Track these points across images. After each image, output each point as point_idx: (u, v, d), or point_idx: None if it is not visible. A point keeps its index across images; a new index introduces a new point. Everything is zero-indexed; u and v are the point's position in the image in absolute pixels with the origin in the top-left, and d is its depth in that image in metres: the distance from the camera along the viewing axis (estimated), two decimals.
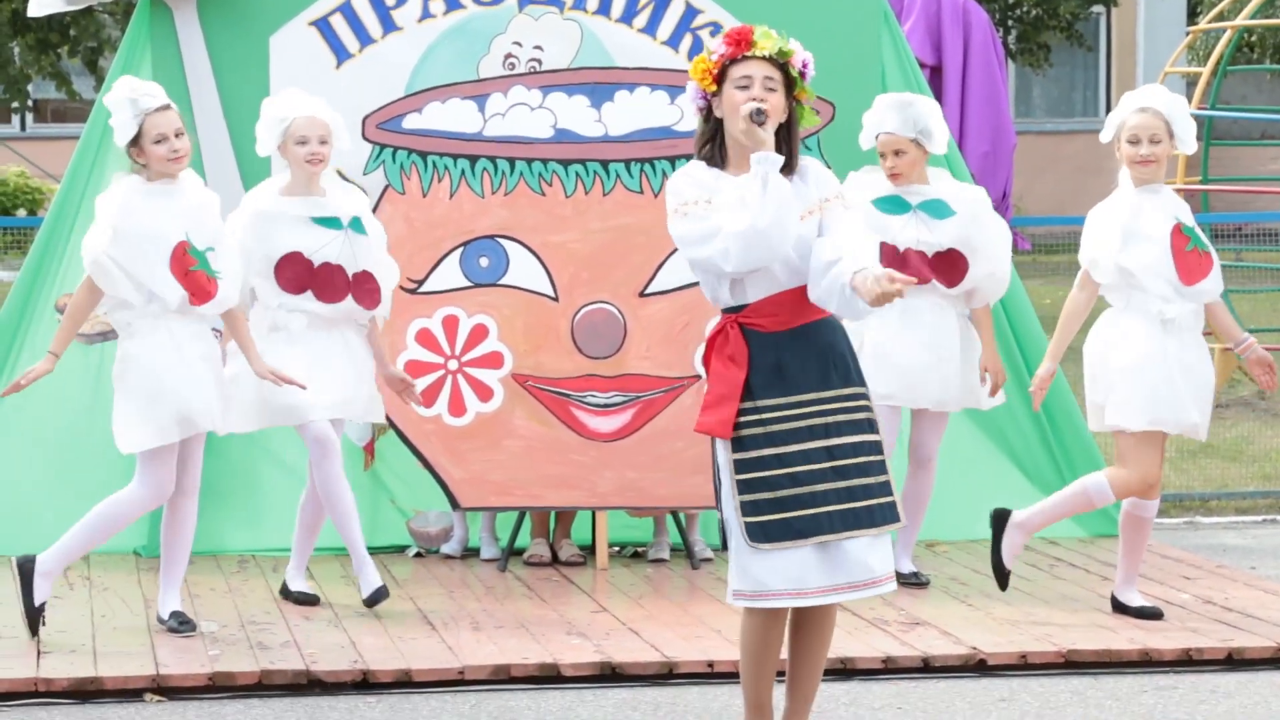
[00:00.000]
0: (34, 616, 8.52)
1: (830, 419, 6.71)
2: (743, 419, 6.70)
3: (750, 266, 6.62)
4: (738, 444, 6.69)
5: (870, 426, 6.78)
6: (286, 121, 9.02)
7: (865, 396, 6.80)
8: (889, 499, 6.75)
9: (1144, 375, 8.67)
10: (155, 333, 8.52)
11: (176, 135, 8.50)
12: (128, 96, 8.55)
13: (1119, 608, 8.90)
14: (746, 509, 6.67)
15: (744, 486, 6.67)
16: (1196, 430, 8.74)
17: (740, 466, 6.69)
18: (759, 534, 6.65)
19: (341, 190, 9.21)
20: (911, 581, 9.46)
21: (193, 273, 8.47)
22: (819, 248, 6.66)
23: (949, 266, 9.36)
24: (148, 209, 8.49)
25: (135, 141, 8.50)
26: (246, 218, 9.04)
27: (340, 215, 9.04)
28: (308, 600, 9.20)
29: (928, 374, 9.36)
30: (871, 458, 6.74)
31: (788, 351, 6.71)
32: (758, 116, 6.59)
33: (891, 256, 9.24)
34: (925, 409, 9.50)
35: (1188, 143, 8.63)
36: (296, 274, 8.98)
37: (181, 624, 8.61)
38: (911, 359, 9.31)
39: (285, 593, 9.28)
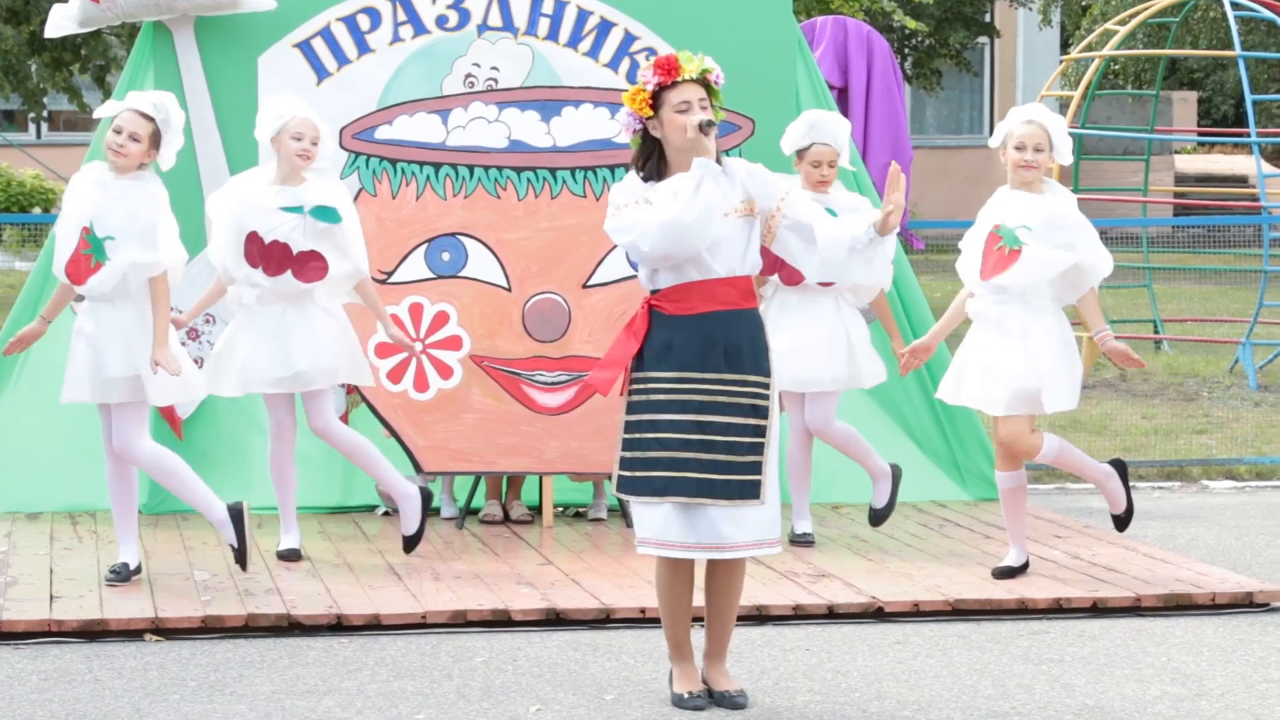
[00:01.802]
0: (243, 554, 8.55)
1: (707, 398, 6.74)
2: (634, 386, 6.82)
3: (665, 252, 6.67)
4: (629, 407, 6.83)
5: (754, 411, 6.76)
6: (285, 119, 8.94)
7: (758, 384, 6.79)
8: (752, 477, 6.74)
9: (958, 358, 8.74)
10: (71, 308, 8.62)
11: (130, 137, 8.40)
12: (145, 93, 8.58)
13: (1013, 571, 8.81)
14: (622, 464, 6.80)
15: (625, 444, 6.81)
16: (996, 407, 8.59)
17: (626, 426, 6.81)
18: (625, 486, 6.79)
19: (323, 181, 9.05)
20: (801, 541, 9.45)
21: (81, 255, 8.40)
22: (828, 226, 6.82)
23: None
24: (80, 193, 8.47)
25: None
26: (228, 201, 8.98)
27: (303, 203, 8.91)
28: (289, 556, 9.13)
29: (796, 361, 9.27)
30: (743, 439, 6.74)
31: (679, 332, 6.75)
32: (707, 127, 6.64)
33: (773, 258, 9.21)
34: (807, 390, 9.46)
35: (1065, 154, 8.62)
36: (254, 251, 8.90)
37: (115, 574, 8.53)
38: (783, 349, 9.26)
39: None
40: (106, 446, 8.59)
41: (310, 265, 8.93)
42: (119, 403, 8.46)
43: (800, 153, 9.34)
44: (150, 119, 8.47)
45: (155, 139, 8.48)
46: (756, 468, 6.74)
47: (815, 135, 9.29)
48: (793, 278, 9.27)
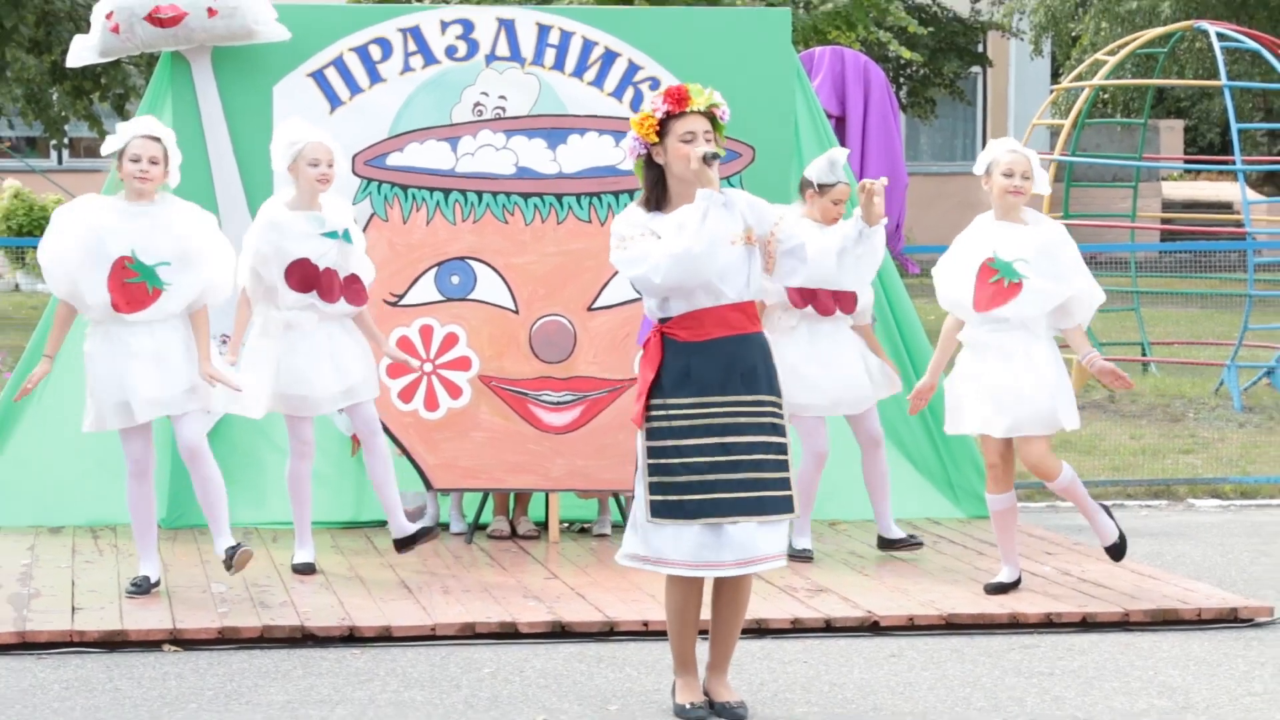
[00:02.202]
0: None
1: (729, 419, 6.75)
2: (653, 413, 6.78)
3: (676, 283, 6.68)
4: (650, 434, 6.78)
5: (774, 430, 6.80)
6: (299, 145, 8.97)
7: (773, 404, 6.82)
8: (782, 493, 6.77)
9: (953, 388, 8.76)
10: (95, 334, 8.51)
11: (150, 161, 8.44)
12: (131, 121, 8.58)
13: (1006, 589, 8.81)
14: (652, 489, 6.76)
15: (651, 470, 6.76)
16: (1002, 431, 8.61)
17: (649, 453, 6.77)
18: (659, 510, 6.74)
19: (336, 203, 9.16)
20: (910, 542, 9.58)
21: (129, 284, 8.38)
22: (820, 245, 7.12)
23: (847, 299, 9.40)
24: (100, 224, 8.43)
25: (120, 156, 8.47)
26: (263, 228, 8.99)
27: (337, 228, 9.00)
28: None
29: (839, 384, 9.39)
30: (768, 456, 6.77)
31: (697, 358, 6.76)
32: (711, 159, 6.67)
33: (800, 293, 9.28)
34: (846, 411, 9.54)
35: (1043, 184, 8.69)
36: (304, 277, 8.93)
37: (136, 587, 8.54)
38: (824, 375, 9.35)
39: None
40: (131, 464, 8.59)
41: (354, 288, 9.03)
42: (188, 411, 8.53)
43: (823, 188, 9.37)
44: (158, 139, 8.51)
45: (165, 159, 8.53)
46: (786, 483, 6.78)
47: (838, 174, 9.38)
48: (826, 309, 9.32)
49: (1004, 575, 8.80)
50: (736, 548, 6.74)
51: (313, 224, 8.96)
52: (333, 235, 8.97)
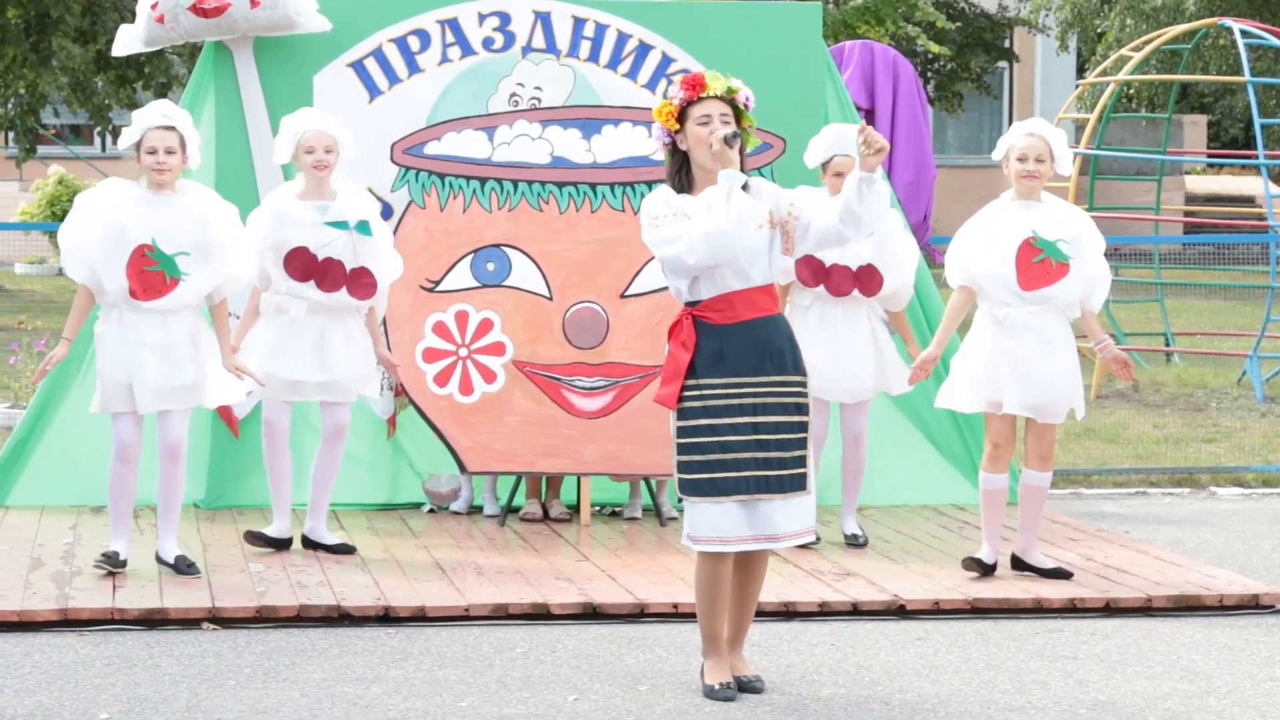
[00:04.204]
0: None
1: (759, 400, 6.82)
2: (687, 394, 6.83)
3: (710, 262, 6.73)
4: (681, 414, 6.84)
5: (799, 410, 6.88)
6: (298, 134, 8.95)
7: (800, 384, 6.90)
8: (800, 470, 6.85)
9: (970, 364, 8.63)
10: (109, 317, 8.44)
11: (166, 152, 8.39)
12: (143, 110, 8.51)
13: (1022, 566, 8.77)
14: (681, 468, 6.83)
15: (681, 449, 6.83)
16: (1035, 411, 8.54)
17: (681, 432, 6.83)
18: (690, 488, 6.81)
19: (354, 195, 9.06)
20: (852, 543, 9.41)
21: (148, 272, 8.34)
22: (822, 220, 6.87)
23: (868, 279, 9.32)
24: (122, 211, 8.37)
25: (138, 148, 8.43)
26: (265, 214, 8.96)
27: (347, 218, 8.92)
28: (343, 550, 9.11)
29: (841, 371, 9.30)
30: (792, 435, 6.85)
31: (729, 340, 6.81)
32: (733, 140, 6.68)
33: (818, 270, 9.23)
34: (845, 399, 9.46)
35: (1065, 164, 8.62)
36: (303, 265, 8.88)
37: (188, 566, 8.52)
38: (828, 360, 9.26)
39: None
40: (118, 446, 8.46)
41: (362, 282, 8.94)
42: (184, 407, 8.48)
43: (824, 165, 9.33)
44: (173, 129, 8.44)
45: (182, 146, 8.46)
46: (802, 461, 6.85)
47: (837, 148, 9.28)
48: (839, 289, 9.25)
49: (984, 554, 8.71)
50: (761, 524, 6.81)
51: (318, 213, 8.91)
52: (340, 226, 8.90)
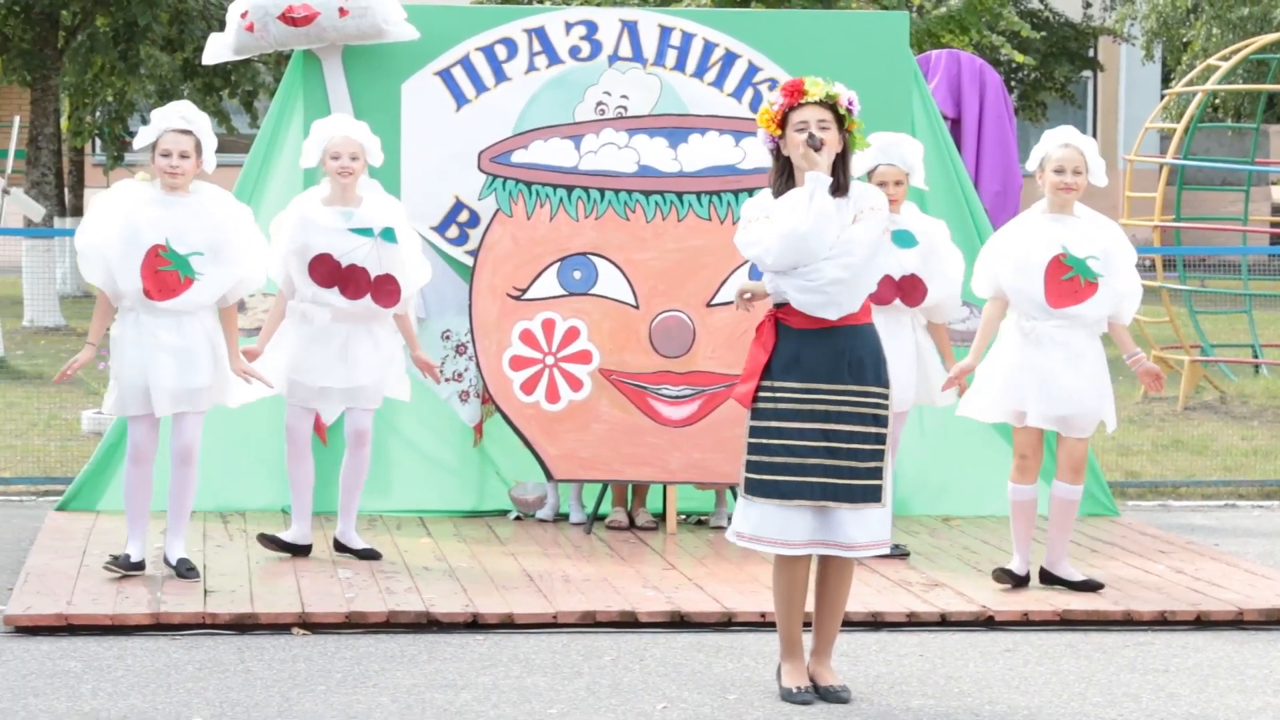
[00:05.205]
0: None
1: (833, 407, 6.84)
2: (761, 394, 6.89)
3: (788, 263, 6.80)
4: (755, 414, 6.89)
5: (876, 421, 6.88)
6: (325, 140, 8.95)
7: (880, 395, 6.90)
8: (873, 482, 6.85)
9: (995, 375, 8.56)
10: (125, 319, 8.43)
11: (180, 156, 8.37)
12: (163, 110, 8.49)
13: (1051, 579, 8.66)
14: (749, 467, 6.88)
15: (751, 448, 6.88)
16: (1060, 424, 8.47)
17: (752, 432, 6.89)
18: (754, 488, 6.86)
19: (379, 202, 9.04)
20: (893, 553, 9.33)
21: (162, 272, 8.34)
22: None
23: (910, 288, 9.26)
24: (135, 212, 8.36)
25: (153, 148, 8.42)
26: (290, 220, 8.97)
27: (372, 225, 8.90)
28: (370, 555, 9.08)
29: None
30: (866, 446, 6.85)
31: (806, 345, 6.86)
32: (812, 141, 6.74)
33: None
34: None
35: (1099, 175, 8.56)
36: (327, 272, 8.87)
37: (188, 569, 8.52)
38: None
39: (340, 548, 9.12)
40: (133, 449, 8.46)
41: (386, 289, 8.91)
42: (198, 410, 8.50)
43: (869, 174, 9.27)
44: (189, 132, 8.43)
45: (198, 150, 8.44)
46: (878, 473, 6.85)
47: (881, 157, 9.24)
48: (881, 297, 9.19)
49: (1015, 565, 8.62)
50: (831, 530, 6.83)
51: (342, 219, 8.90)
52: (365, 232, 8.88)
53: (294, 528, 9.10)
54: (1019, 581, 8.63)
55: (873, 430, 6.85)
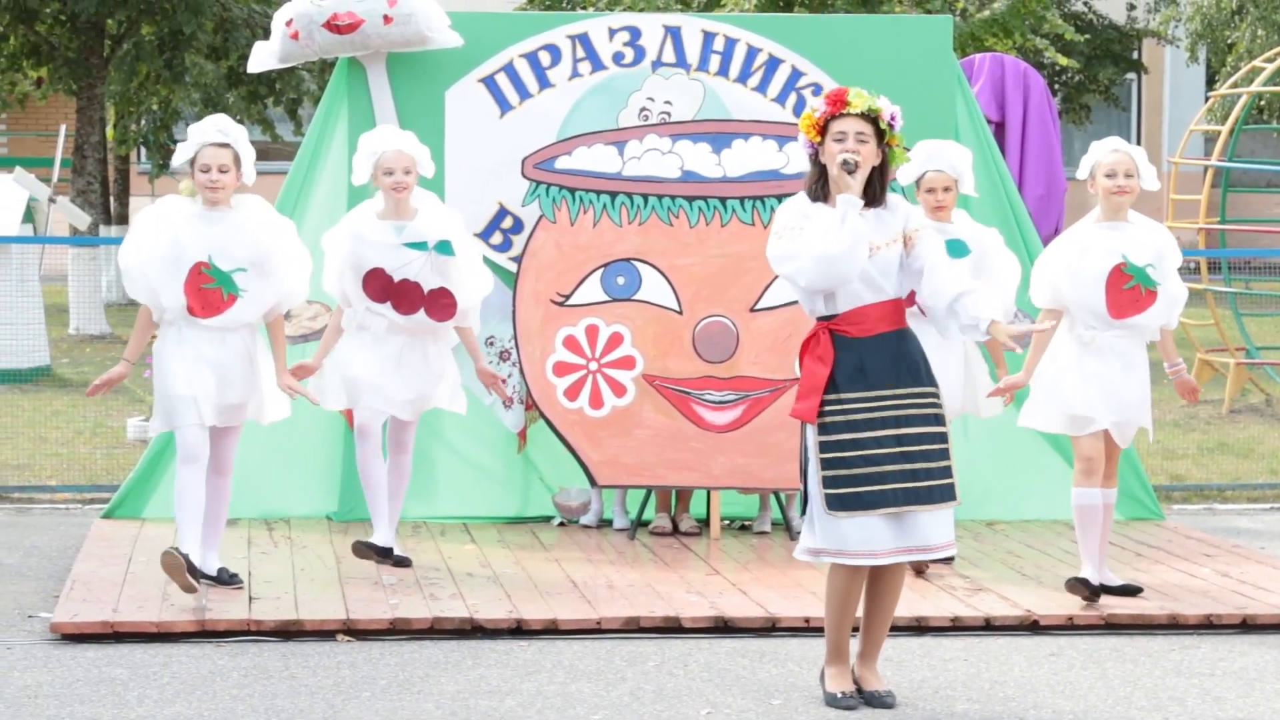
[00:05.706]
0: None
1: (901, 411, 6.86)
2: (828, 408, 6.85)
3: (821, 285, 6.81)
4: (823, 429, 6.84)
5: (937, 420, 6.92)
6: (376, 155, 8.91)
7: (935, 395, 6.94)
8: (947, 480, 6.88)
9: (1058, 385, 8.49)
10: (168, 335, 8.39)
11: (220, 170, 8.31)
12: (200, 125, 8.44)
13: (1090, 587, 8.46)
14: (827, 483, 6.82)
15: (826, 464, 6.83)
16: (1115, 430, 8.44)
17: (824, 447, 6.84)
18: (836, 503, 6.81)
19: (434, 214, 8.99)
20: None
21: (205, 289, 8.30)
22: (938, 277, 6.83)
23: None
24: (178, 229, 8.32)
25: (192, 164, 8.36)
26: (344, 234, 8.95)
27: (426, 239, 8.86)
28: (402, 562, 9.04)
29: None
30: (935, 446, 6.88)
31: (869, 354, 6.85)
32: (846, 166, 6.72)
33: None
34: None
35: (1150, 180, 8.52)
36: (380, 286, 8.86)
37: (231, 577, 8.55)
38: None
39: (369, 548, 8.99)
40: (183, 450, 8.33)
41: (441, 303, 8.89)
42: (237, 424, 8.51)
43: (918, 181, 9.23)
44: (227, 145, 8.37)
45: (237, 162, 8.39)
46: (949, 471, 6.87)
47: (929, 163, 9.18)
48: None
49: (1089, 574, 8.50)
50: (913, 535, 6.82)
51: (395, 234, 8.86)
52: (420, 246, 8.84)
53: (377, 533, 9.02)
54: (1095, 591, 8.44)
55: (938, 430, 6.89)
